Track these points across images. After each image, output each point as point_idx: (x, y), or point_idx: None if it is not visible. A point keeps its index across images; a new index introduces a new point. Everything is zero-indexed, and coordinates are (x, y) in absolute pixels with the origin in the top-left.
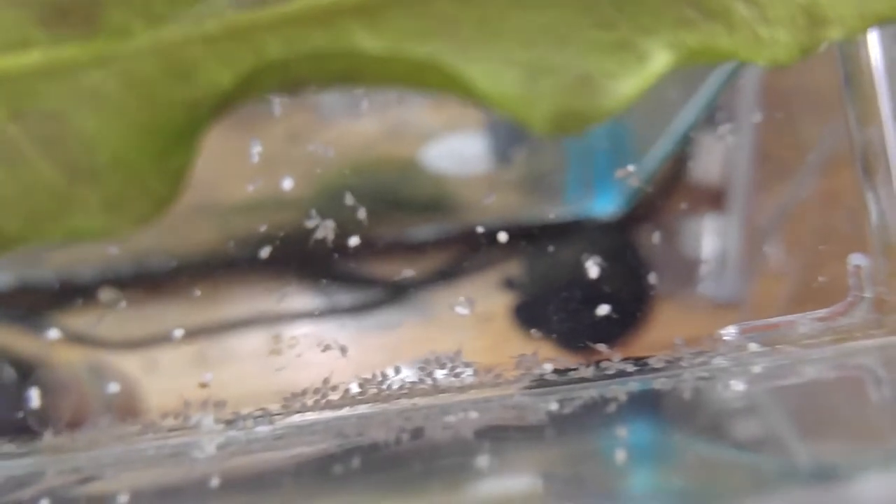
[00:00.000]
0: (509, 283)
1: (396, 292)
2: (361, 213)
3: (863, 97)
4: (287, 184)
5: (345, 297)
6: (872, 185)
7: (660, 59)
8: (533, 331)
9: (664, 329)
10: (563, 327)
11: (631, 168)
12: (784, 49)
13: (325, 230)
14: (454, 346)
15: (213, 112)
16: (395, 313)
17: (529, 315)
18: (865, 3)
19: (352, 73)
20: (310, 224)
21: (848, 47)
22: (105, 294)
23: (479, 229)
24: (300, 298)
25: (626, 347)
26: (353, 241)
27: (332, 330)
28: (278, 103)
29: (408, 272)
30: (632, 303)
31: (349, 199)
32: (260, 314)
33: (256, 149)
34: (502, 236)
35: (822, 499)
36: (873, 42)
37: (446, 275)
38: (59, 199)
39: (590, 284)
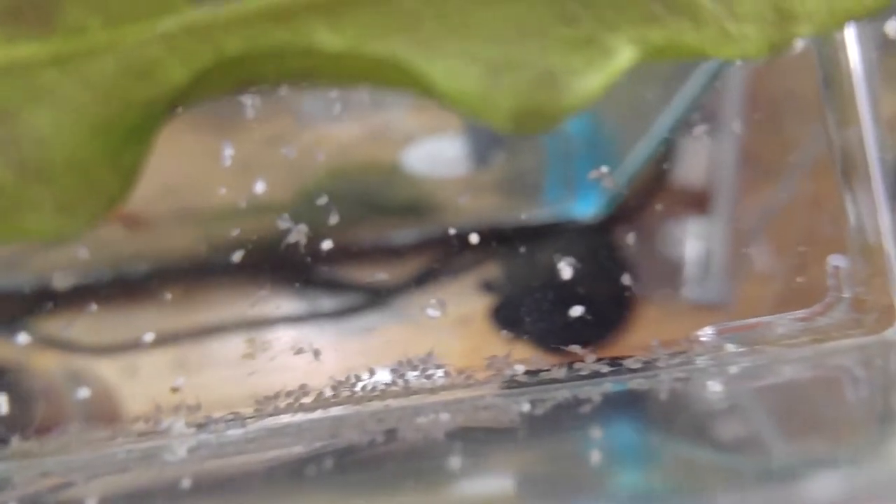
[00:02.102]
0: (488, 286)
1: (373, 296)
2: (338, 218)
3: (842, 100)
4: (262, 188)
5: (320, 302)
6: (851, 187)
7: (624, 56)
8: (511, 334)
9: (646, 332)
10: (541, 330)
11: (605, 169)
12: (752, 44)
13: (300, 234)
14: (430, 349)
15: (169, 110)
16: (371, 317)
17: (508, 318)
18: None
19: (310, 70)
20: (284, 228)
21: (826, 50)
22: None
23: (458, 232)
24: (273, 302)
25: (605, 351)
26: (329, 245)
27: (307, 334)
28: (253, 106)
29: (383, 276)
30: (612, 306)
31: (326, 203)
32: (233, 318)
33: (231, 153)
34: (480, 239)
35: (794, 496)
36: (851, 44)
37: (424, 278)
38: (10, 199)
39: (568, 287)
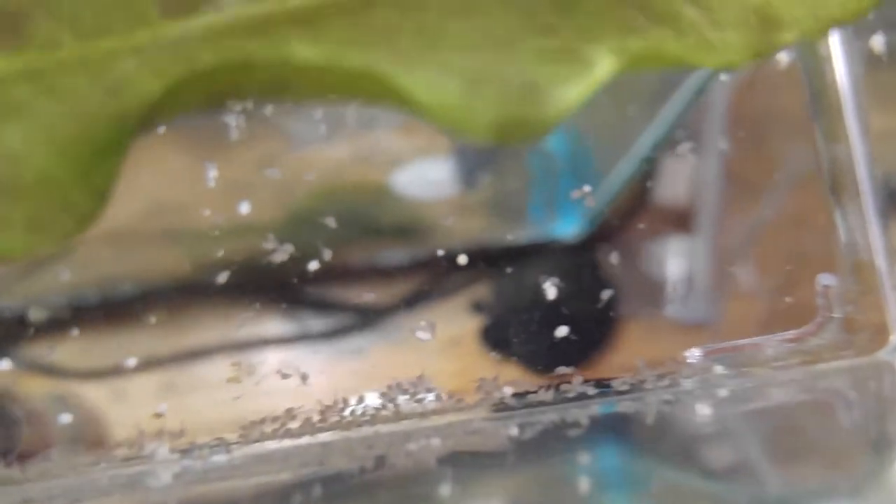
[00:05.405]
0: (478, 307)
1: (362, 318)
2: (327, 239)
3: (830, 115)
4: (251, 209)
5: (309, 323)
6: (840, 204)
7: (604, 66)
8: (500, 355)
9: (632, 352)
10: (529, 352)
11: (587, 188)
12: (735, 53)
13: (285, 254)
14: (419, 371)
15: (141, 125)
16: (360, 339)
17: (497, 339)
18: (819, 4)
19: (286, 83)
20: (271, 249)
21: (812, 65)
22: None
23: (446, 253)
24: (260, 325)
25: (590, 370)
26: (316, 266)
27: (294, 357)
28: (243, 129)
29: (373, 297)
30: (596, 326)
31: (316, 225)
32: (218, 341)
33: (219, 175)
34: (467, 260)
35: None
36: (838, 59)
37: (413, 300)
38: None
39: (553, 307)
